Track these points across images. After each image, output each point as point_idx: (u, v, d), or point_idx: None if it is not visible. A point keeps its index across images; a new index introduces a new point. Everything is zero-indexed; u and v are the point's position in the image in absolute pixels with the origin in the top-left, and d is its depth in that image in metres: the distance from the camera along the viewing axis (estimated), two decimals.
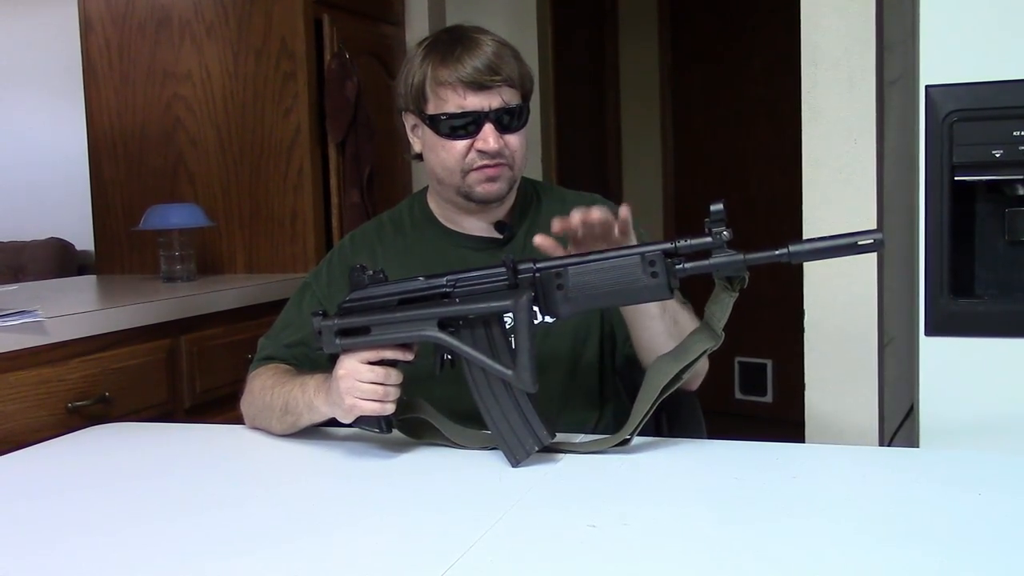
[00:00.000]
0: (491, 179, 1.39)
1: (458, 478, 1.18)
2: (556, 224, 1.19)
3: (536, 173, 3.18)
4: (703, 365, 1.37)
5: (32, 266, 4.27)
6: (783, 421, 2.41)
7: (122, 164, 2.80)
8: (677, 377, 1.20)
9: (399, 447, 1.29)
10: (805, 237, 1.79)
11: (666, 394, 1.20)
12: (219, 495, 1.17)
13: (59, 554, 0.98)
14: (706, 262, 1.11)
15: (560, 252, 1.19)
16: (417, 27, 3.04)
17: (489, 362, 1.17)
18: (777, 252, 1.11)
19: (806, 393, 1.87)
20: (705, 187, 4.10)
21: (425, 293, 1.21)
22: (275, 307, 1.60)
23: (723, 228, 1.10)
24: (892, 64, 1.96)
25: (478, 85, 1.35)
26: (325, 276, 1.51)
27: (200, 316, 2.17)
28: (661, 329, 1.30)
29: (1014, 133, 1.49)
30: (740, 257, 1.10)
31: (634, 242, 1.21)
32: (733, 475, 1.15)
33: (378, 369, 1.21)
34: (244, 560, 0.94)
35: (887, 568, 0.86)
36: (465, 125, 1.37)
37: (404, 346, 1.23)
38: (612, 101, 4.39)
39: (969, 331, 1.56)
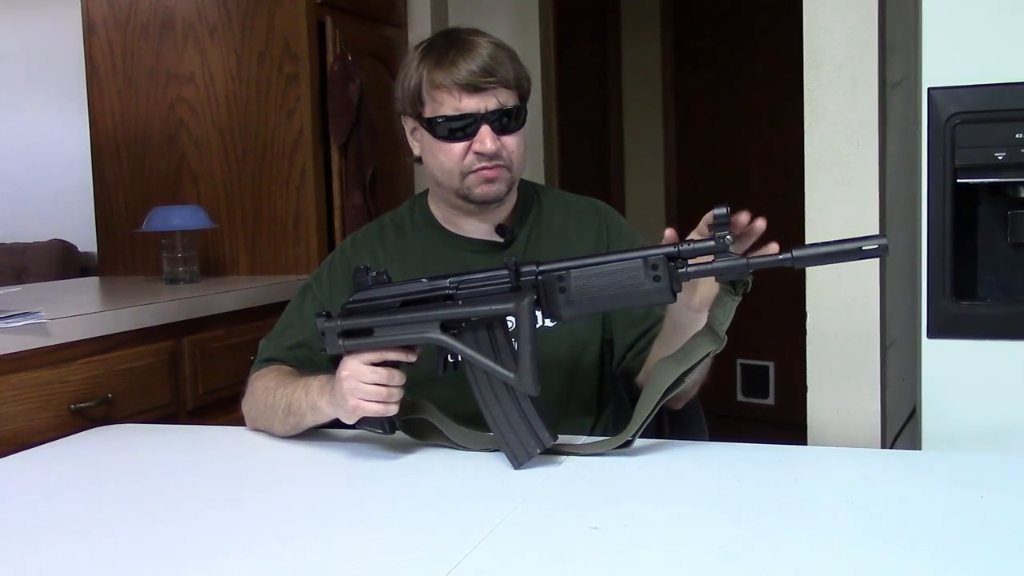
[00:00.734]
0: (489, 181, 1.39)
1: (460, 480, 1.18)
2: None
3: (538, 175, 3.18)
4: (703, 372, 1.36)
5: (35, 268, 4.28)
6: (785, 423, 2.41)
7: (125, 166, 2.80)
8: (680, 380, 1.19)
9: (401, 448, 1.29)
10: (807, 239, 1.79)
11: (668, 397, 1.20)
12: (221, 496, 1.17)
13: (61, 555, 0.98)
14: (709, 266, 1.11)
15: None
16: (419, 29, 3.04)
17: (491, 364, 1.17)
18: (781, 256, 1.11)
19: (808, 395, 1.87)
20: (707, 189, 4.10)
21: (428, 295, 1.21)
22: (277, 309, 1.61)
23: (726, 232, 1.09)
24: (894, 66, 1.96)
25: (473, 87, 1.35)
26: (326, 278, 1.51)
27: (203, 318, 2.17)
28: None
29: (1016, 135, 1.49)
30: (743, 261, 1.10)
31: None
32: (735, 477, 1.15)
33: (381, 370, 1.21)
34: (247, 561, 0.95)
35: (889, 570, 0.86)
36: (462, 127, 1.37)
37: (407, 347, 1.23)
38: (614, 103, 4.40)
39: (971, 333, 1.56)
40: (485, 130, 1.36)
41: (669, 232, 1.14)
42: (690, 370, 1.19)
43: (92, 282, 3.03)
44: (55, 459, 1.41)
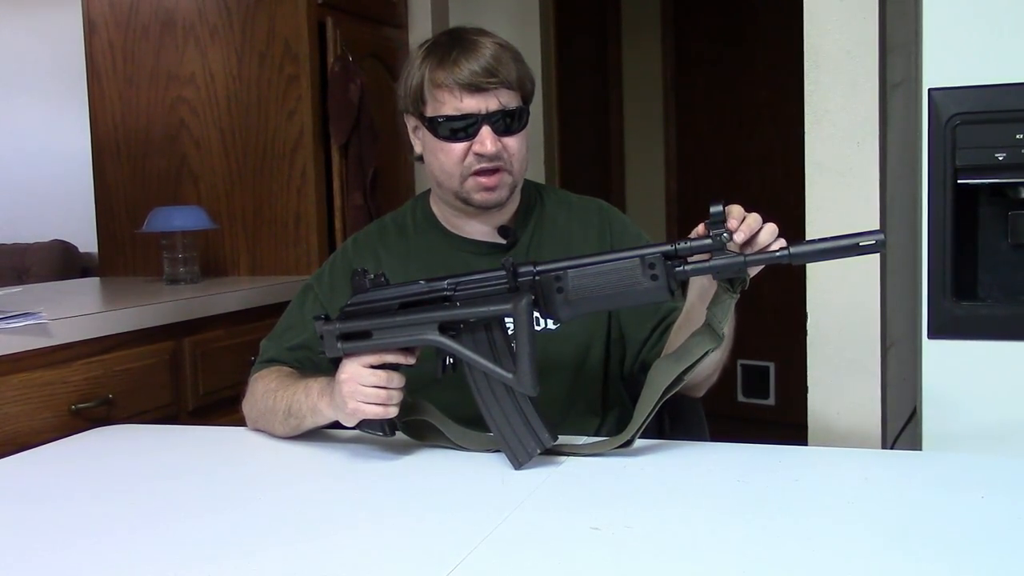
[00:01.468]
0: (488, 189, 1.38)
1: (461, 480, 1.18)
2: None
3: (538, 174, 3.18)
4: (712, 372, 1.36)
5: (35, 268, 4.28)
6: (785, 424, 2.41)
7: (126, 166, 2.80)
8: (679, 379, 1.19)
9: (402, 449, 1.29)
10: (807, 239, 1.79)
11: (668, 396, 1.20)
12: (222, 497, 1.17)
13: (62, 556, 0.98)
14: (706, 264, 1.11)
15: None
16: (420, 29, 3.04)
17: (490, 366, 1.17)
18: (778, 253, 1.11)
19: (808, 396, 1.87)
20: (707, 189, 4.09)
21: (426, 297, 1.21)
22: (278, 309, 1.61)
23: (723, 230, 1.10)
24: (895, 67, 1.96)
25: (475, 87, 1.35)
26: (327, 279, 1.51)
27: (203, 318, 2.17)
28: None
29: (1017, 136, 1.49)
30: (740, 258, 1.10)
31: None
32: (735, 477, 1.15)
33: (380, 373, 1.21)
34: (247, 561, 0.95)
35: (890, 571, 0.86)
36: (463, 127, 1.36)
37: (406, 350, 1.23)
38: (615, 102, 4.39)
39: (972, 334, 1.56)
40: (486, 131, 1.36)
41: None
42: (689, 369, 1.19)
43: (93, 283, 3.03)
44: (56, 460, 1.41)
